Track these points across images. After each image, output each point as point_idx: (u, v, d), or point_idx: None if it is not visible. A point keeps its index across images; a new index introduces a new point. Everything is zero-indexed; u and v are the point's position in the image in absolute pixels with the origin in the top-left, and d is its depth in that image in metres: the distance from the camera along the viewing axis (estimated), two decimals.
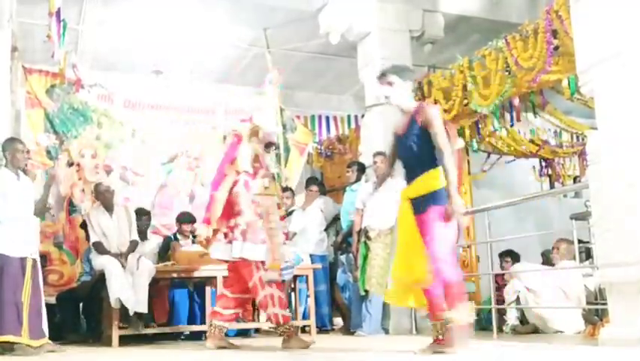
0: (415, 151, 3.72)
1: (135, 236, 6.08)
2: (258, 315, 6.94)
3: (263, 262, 4.61)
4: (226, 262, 4.84)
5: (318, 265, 6.68)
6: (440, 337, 3.64)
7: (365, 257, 5.98)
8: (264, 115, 5.02)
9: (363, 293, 5.95)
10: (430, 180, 3.68)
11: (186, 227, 6.68)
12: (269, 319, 4.77)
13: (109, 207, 6.09)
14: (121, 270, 5.58)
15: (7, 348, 4.44)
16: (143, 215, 6.60)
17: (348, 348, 4.66)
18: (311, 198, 7.24)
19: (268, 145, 4.86)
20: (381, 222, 6.02)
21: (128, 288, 5.51)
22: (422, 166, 3.70)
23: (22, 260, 4.61)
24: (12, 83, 6.15)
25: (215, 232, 4.71)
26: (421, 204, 3.68)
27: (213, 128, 7.80)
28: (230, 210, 4.67)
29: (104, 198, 6.12)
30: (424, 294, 3.68)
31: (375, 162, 6.19)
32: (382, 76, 3.87)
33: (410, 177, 3.81)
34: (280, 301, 4.63)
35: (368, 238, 5.99)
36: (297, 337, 4.73)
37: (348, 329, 6.36)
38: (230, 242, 4.63)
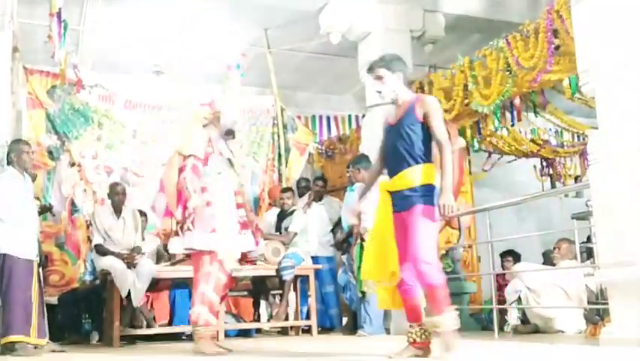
0: (407, 141, 3.45)
1: (139, 241, 6.06)
2: (259, 316, 6.94)
3: (212, 252, 4.24)
4: (187, 256, 4.55)
5: (319, 266, 6.67)
6: (417, 340, 3.51)
7: (361, 258, 5.97)
8: (228, 102, 4.66)
9: (360, 295, 5.95)
10: (417, 174, 3.41)
11: None
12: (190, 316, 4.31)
13: (118, 209, 6.06)
14: (125, 268, 5.61)
15: (8, 348, 4.44)
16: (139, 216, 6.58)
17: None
18: (316, 196, 7.21)
19: (228, 132, 4.55)
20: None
21: (134, 282, 5.56)
22: (412, 158, 3.43)
23: (29, 260, 4.61)
24: (13, 84, 6.15)
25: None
26: (405, 200, 3.42)
27: None
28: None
29: (118, 198, 6.09)
30: (402, 295, 3.54)
31: (348, 173, 6.23)
32: (370, 70, 3.64)
33: (395, 168, 3.51)
34: (210, 303, 4.23)
35: (362, 239, 5.99)
36: (212, 341, 4.32)
37: (350, 329, 6.35)
38: (183, 233, 4.28)
